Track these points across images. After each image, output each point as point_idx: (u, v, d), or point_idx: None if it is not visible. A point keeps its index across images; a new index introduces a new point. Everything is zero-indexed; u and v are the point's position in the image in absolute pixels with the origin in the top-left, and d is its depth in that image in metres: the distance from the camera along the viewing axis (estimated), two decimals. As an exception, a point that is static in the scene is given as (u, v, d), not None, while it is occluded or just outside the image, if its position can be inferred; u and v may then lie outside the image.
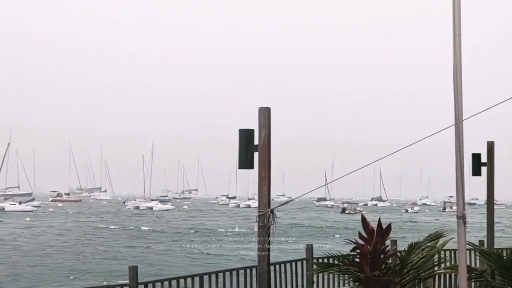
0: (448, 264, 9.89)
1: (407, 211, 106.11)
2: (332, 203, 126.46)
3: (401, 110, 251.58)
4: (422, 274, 7.27)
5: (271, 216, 7.49)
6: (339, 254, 7.80)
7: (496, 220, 13.64)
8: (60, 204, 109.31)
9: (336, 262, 7.77)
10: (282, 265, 10.81)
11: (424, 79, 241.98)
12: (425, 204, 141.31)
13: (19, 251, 36.83)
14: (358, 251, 6.93)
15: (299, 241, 43.51)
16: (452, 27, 6.52)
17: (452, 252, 11.25)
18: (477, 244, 10.31)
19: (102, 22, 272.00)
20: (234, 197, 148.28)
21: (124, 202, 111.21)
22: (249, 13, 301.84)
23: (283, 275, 10.77)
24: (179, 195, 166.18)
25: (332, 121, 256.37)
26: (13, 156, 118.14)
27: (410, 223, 70.73)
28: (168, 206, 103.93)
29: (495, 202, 13.44)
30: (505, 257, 7.97)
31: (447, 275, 11.37)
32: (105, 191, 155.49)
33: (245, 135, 7.60)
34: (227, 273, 9.88)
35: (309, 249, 11.28)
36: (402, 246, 9.42)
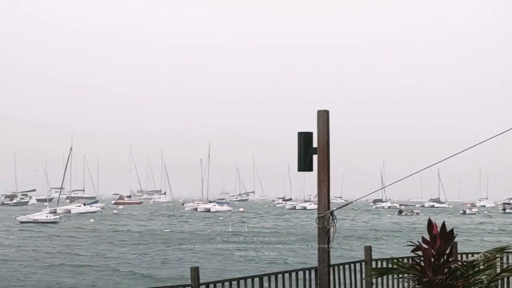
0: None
1: (464, 212, 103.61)
2: (389, 205, 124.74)
3: (462, 110, 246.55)
4: (486, 277, 7.05)
5: (330, 218, 7.43)
6: (399, 257, 7.65)
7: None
8: (121, 206, 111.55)
9: (395, 264, 7.63)
10: (341, 267, 10.67)
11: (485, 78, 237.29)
12: (484, 205, 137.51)
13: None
14: (419, 253, 6.77)
15: (356, 243, 43.27)
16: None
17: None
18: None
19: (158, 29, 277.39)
20: (290, 199, 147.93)
21: (183, 204, 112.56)
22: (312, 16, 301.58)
23: (341, 276, 10.63)
24: (236, 198, 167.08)
25: (384, 121, 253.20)
26: (79, 160, 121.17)
27: (467, 225, 68.99)
28: (225, 207, 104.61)
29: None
30: None
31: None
32: (165, 193, 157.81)
33: (304, 138, 7.57)
34: (286, 274, 9.83)
35: (368, 250, 11.10)
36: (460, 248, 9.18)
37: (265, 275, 9.62)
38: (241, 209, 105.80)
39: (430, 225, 6.60)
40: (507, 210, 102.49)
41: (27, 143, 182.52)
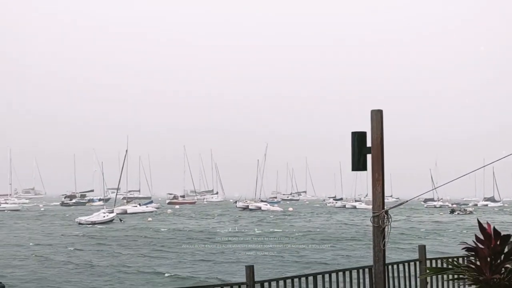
0: None
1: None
2: (441, 203, 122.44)
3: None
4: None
5: (385, 217, 7.37)
6: (453, 256, 7.50)
7: None
8: (176, 206, 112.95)
9: (450, 264, 7.50)
10: (395, 266, 10.53)
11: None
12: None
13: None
14: (473, 253, 6.64)
15: (409, 242, 42.64)
16: None
17: None
18: None
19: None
20: (340, 199, 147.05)
21: (235, 203, 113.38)
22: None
23: (395, 275, 10.50)
24: (287, 197, 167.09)
25: (438, 121, 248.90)
26: (133, 160, 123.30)
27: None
28: (276, 207, 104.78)
29: None
30: None
31: None
32: (217, 193, 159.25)
33: (358, 138, 7.55)
34: (340, 273, 9.78)
35: (422, 249, 10.93)
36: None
37: (319, 273, 9.58)
38: (291, 209, 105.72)
39: (481, 224, 6.49)
40: None
41: (85, 145, 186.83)
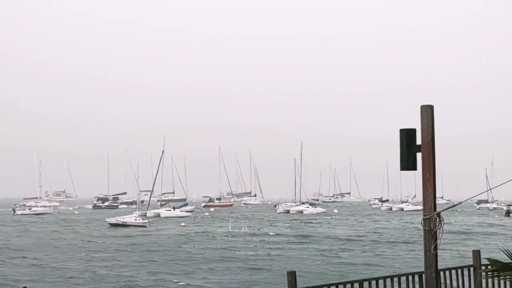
0: None
1: None
2: (495, 206, 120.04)
3: None
4: None
5: (437, 220, 7.27)
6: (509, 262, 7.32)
7: None
8: (212, 209, 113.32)
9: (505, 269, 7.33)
10: (447, 272, 10.34)
11: None
12: None
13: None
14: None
15: (461, 246, 41.98)
16: None
17: None
18: None
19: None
20: (386, 200, 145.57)
21: (275, 206, 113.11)
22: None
23: (448, 281, 10.31)
24: (329, 199, 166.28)
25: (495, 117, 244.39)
26: (167, 161, 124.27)
27: None
28: (318, 209, 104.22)
29: None
30: None
31: None
32: (255, 195, 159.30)
33: (407, 135, 7.44)
34: (388, 280, 9.67)
35: (476, 255, 10.71)
36: None
37: (365, 280, 9.49)
38: (335, 211, 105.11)
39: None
40: None
41: (118, 146, 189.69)
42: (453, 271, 10.47)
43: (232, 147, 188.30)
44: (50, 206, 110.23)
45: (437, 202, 7.72)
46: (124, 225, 64.71)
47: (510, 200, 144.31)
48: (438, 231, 7.39)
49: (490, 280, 9.93)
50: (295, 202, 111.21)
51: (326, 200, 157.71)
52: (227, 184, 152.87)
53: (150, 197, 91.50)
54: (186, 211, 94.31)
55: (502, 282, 10.03)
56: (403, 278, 9.72)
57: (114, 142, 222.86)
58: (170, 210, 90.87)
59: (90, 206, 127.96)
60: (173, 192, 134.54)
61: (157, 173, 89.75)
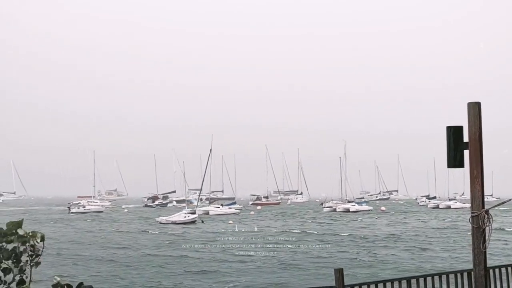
0: None
1: None
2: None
3: None
4: None
5: (486, 217, 7.15)
6: None
7: None
8: (259, 207, 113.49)
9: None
10: (497, 270, 10.12)
11: None
12: None
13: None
14: None
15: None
16: None
17: None
18: None
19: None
20: (434, 197, 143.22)
21: (322, 204, 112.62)
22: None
23: (497, 280, 10.09)
24: (376, 197, 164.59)
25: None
26: (216, 160, 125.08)
27: None
28: (365, 207, 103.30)
29: None
30: None
31: None
32: (301, 193, 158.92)
33: (454, 132, 7.35)
34: (436, 277, 9.53)
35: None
36: None
37: (413, 277, 9.39)
38: (383, 208, 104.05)
39: None
40: None
41: (166, 145, 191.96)
42: (503, 269, 10.26)
43: (279, 147, 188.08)
44: (102, 205, 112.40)
45: (486, 199, 7.60)
46: (173, 223, 65.43)
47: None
48: (486, 228, 7.27)
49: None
50: (341, 200, 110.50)
51: (373, 198, 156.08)
52: (273, 183, 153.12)
53: (199, 195, 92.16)
54: (235, 209, 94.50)
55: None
56: (452, 276, 9.58)
57: (162, 142, 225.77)
58: (219, 208, 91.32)
59: (141, 205, 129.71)
60: (222, 191, 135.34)
61: (205, 172, 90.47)
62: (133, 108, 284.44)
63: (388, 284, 9.04)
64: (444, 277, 9.50)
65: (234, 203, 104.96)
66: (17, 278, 3.87)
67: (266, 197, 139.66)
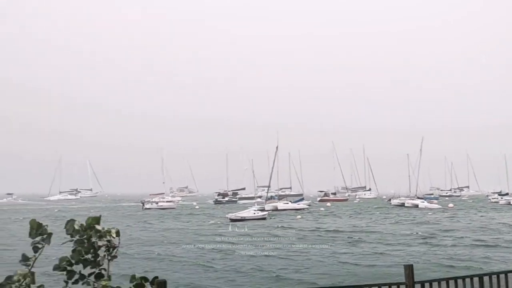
0: None
1: None
2: None
3: None
4: None
5: None
6: None
7: None
8: (328, 204, 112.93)
9: None
10: None
11: None
12: None
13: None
14: None
15: None
16: None
17: None
18: None
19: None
20: (506, 194, 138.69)
21: (389, 200, 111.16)
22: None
23: None
24: (446, 193, 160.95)
25: None
26: (283, 157, 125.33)
27: None
28: (434, 204, 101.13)
29: None
30: None
31: None
32: (370, 189, 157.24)
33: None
34: (510, 274, 9.25)
35: None
36: None
37: (485, 274, 9.16)
38: (451, 205, 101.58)
39: None
40: None
41: (235, 143, 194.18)
42: None
43: (347, 142, 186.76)
44: (174, 201, 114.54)
45: None
46: (243, 220, 65.71)
47: None
48: None
49: None
50: (409, 196, 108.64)
51: (443, 195, 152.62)
52: (341, 179, 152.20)
53: (268, 192, 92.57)
54: (303, 205, 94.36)
55: None
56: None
57: (231, 140, 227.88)
58: (288, 203, 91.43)
59: (211, 201, 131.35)
60: (290, 188, 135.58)
61: (272, 169, 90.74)
62: (203, 107, 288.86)
63: (460, 281, 8.84)
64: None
65: (302, 199, 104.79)
66: (96, 271, 4.03)
67: (334, 193, 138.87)
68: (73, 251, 3.98)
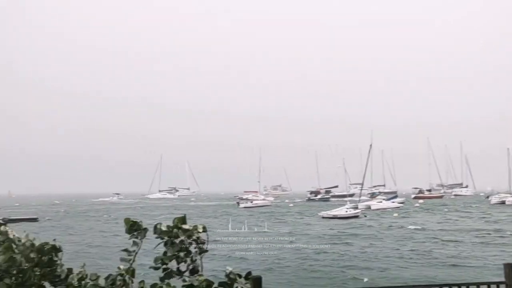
0: None
1: None
2: None
3: None
4: None
5: None
6: None
7: None
8: (421, 201, 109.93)
9: None
10: None
11: None
12: None
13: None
14: None
15: None
16: None
17: None
18: None
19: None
20: None
21: (488, 197, 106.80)
22: None
23: None
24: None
25: None
26: (376, 155, 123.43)
27: None
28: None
29: None
30: None
31: None
32: (466, 186, 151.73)
33: None
34: None
35: None
36: None
37: None
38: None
39: None
40: None
41: (326, 141, 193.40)
42: None
43: (442, 139, 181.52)
44: (268, 199, 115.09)
45: None
46: (334, 218, 64.86)
47: None
48: None
49: None
50: (510, 193, 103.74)
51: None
52: (436, 176, 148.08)
53: (361, 189, 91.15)
54: (398, 203, 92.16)
55: None
56: None
57: (321, 138, 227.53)
58: (381, 202, 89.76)
59: (303, 200, 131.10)
60: (384, 185, 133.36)
61: (366, 167, 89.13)
62: (293, 105, 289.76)
63: None
64: None
65: (396, 196, 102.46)
66: (190, 267, 4.15)
67: (429, 190, 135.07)
68: (165, 250, 4.14)
